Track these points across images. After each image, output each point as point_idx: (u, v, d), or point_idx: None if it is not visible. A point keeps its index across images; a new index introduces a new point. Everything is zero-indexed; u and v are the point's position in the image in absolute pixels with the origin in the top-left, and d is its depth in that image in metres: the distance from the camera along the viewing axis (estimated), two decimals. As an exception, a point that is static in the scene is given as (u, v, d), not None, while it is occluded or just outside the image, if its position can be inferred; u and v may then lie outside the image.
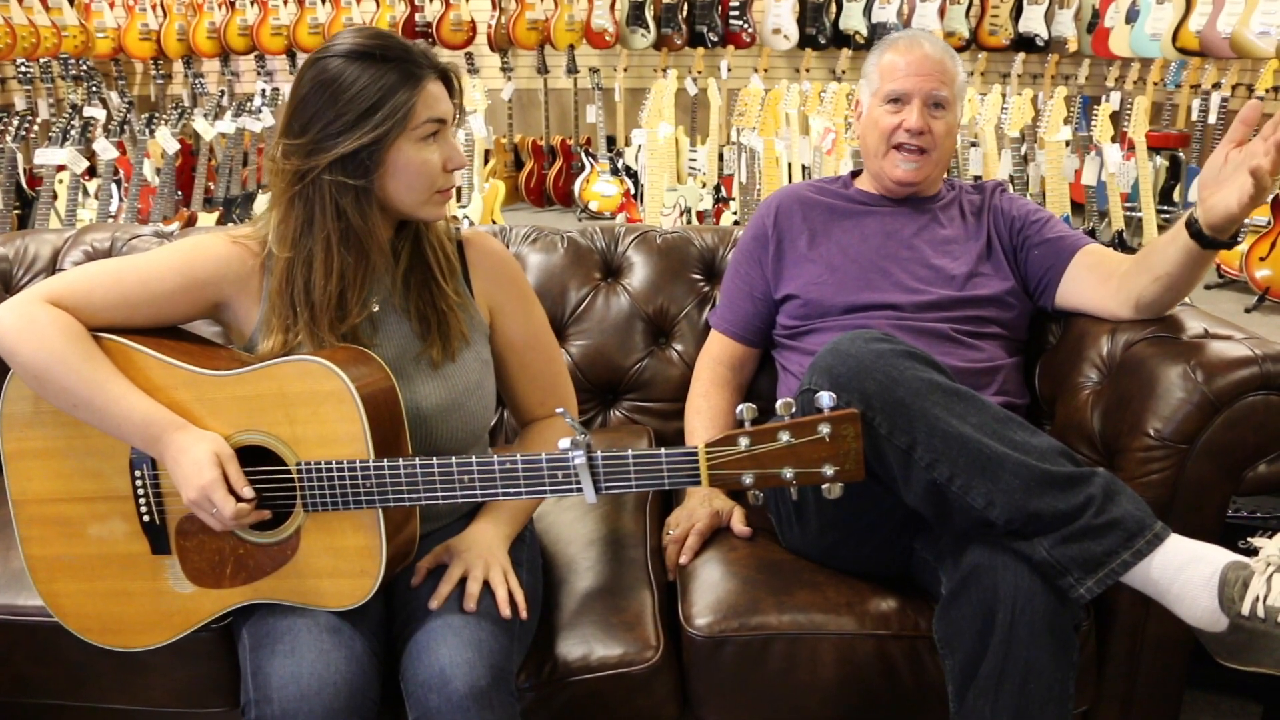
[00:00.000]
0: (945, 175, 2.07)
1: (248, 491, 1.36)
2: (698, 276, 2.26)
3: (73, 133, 4.57)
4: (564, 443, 1.36)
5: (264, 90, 6.51)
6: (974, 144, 5.31)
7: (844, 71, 7.06)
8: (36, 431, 1.46)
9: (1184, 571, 1.35)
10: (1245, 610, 1.31)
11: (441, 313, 1.55)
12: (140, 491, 1.44)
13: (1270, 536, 1.37)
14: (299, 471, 1.39)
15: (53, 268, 2.21)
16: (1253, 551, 1.36)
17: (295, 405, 1.39)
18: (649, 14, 7.04)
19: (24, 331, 1.38)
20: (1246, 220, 1.74)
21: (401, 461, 1.38)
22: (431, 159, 1.46)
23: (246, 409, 1.41)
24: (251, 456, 1.40)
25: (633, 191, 6.58)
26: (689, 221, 5.58)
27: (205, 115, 5.59)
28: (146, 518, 1.45)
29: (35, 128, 4.98)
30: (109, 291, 1.44)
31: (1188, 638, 1.63)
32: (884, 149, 1.96)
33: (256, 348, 1.51)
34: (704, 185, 5.88)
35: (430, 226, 1.58)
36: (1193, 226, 1.60)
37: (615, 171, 6.74)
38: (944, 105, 1.93)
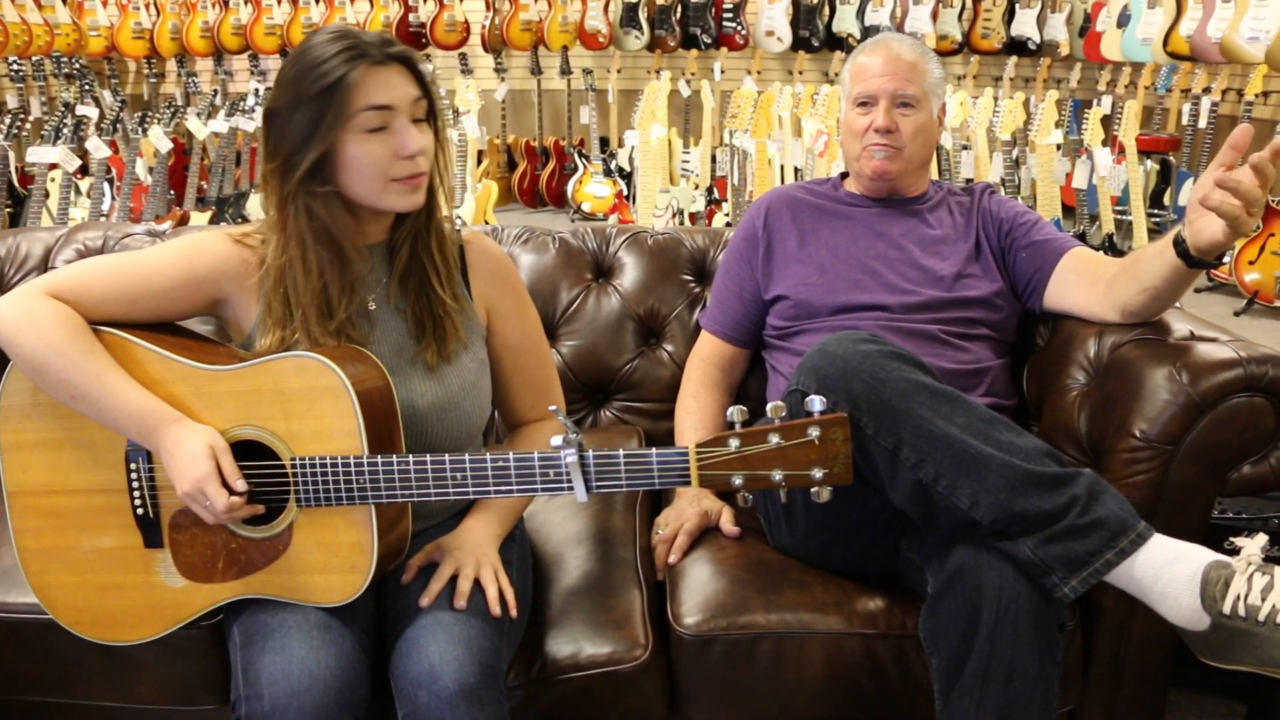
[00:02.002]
0: (934, 177, 2.09)
1: (241, 485, 1.37)
2: (688, 277, 2.27)
3: (65, 131, 4.57)
4: (556, 440, 1.37)
5: (257, 90, 6.51)
6: (966, 147, 5.32)
7: (837, 74, 7.07)
8: (34, 423, 1.47)
9: (1167, 571, 1.37)
10: (1227, 609, 1.32)
11: (437, 317, 1.56)
12: (135, 484, 1.45)
13: (1251, 536, 1.38)
14: (293, 466, 1.40)
15: (45, 266, 2.22)
16: (1235, 552, 1.38)
17: (291, 401, 1.40)
18: (642, 16, 7.05)
19: (24, 323, 1.39)
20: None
21: (395, 458, 1.39)
22: (374, 150, 1.44)
23: (243, 404, 1.42)
24: (247, 451, 1.41)
25: (625, 193, 6.59)
26: (681, 223, 5.59)
27: (198, 114, 5.59)
28: (140, 511, 1.46)
29: (27, 126, 4.98)
30: (109, 286, 1.45)
31: (1172, 637, 1.65)
32: (858, 150, 1.99)
33: (254, 345, 1.52)
34: (696, 187, 5.88)
35: (431, 228, 1.57)
36: (1179, 246, 1.60)
37: (608, 173, 6.75)
38: (911, 103, 1.95)
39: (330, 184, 1.46)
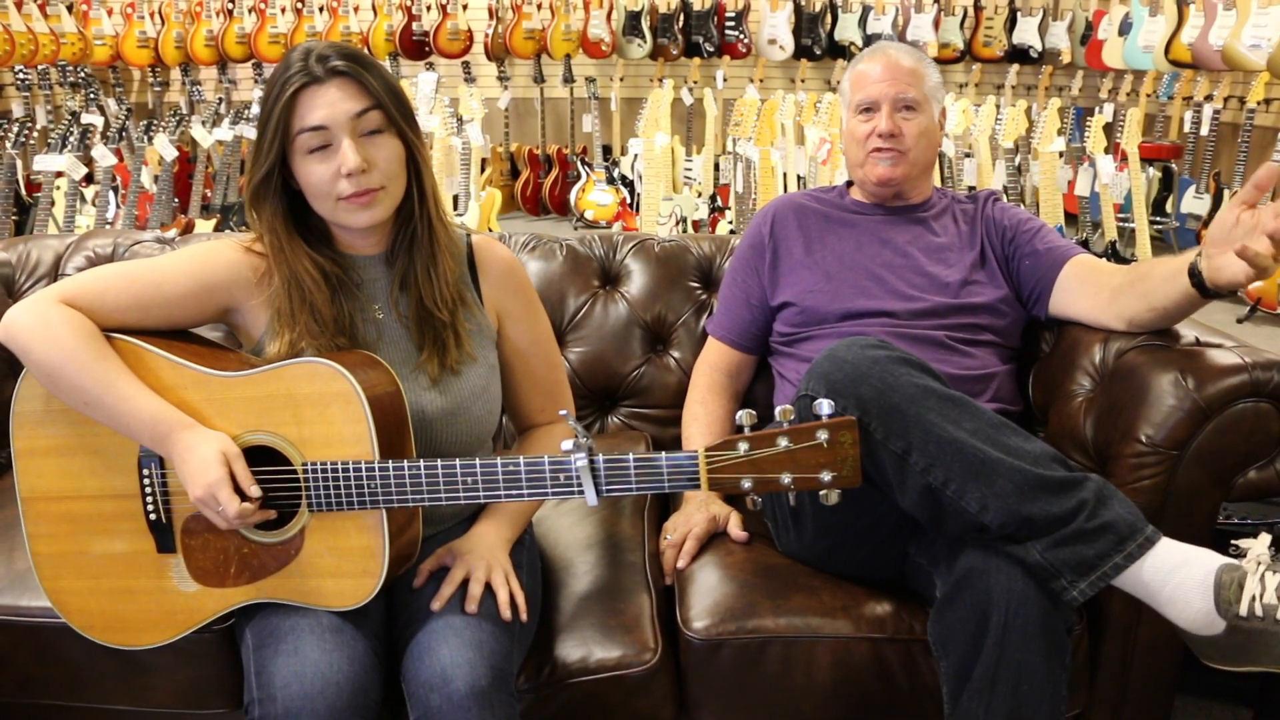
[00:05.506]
0: (938, 185, 2.10)
1: (254, 490, 1.38)
2: (695, 284, 2.28)
3: (71, 139, 4.58)
4: (566, 444, 1.38)
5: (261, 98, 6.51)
6: (968, 155, 5.33)
7: (839, 82, 7.06)
8: (47, 429, 1.48)
9: (1176, 574, 1.37)
10: (1244, 611, 1.32)
11: (436, 332, 1.57)
12: (148, 490, 1.46)
13: (1255, 537, 1.39)
14: (305, 471, 1.41)
15: (55, 273, 2.23)
16: (1241, 554, 1.38)
17: (303, 406, 1.41)
18: (645, 24, 7.07)
19: (38, 330, 1.40)
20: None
21: (406, 463, 1.40)
22: (317, 170, 1.46)
23: (254, 409, 1.42)
24: (259, 456, 1.42)
25: (629, 201, 6.60)
26: (685, 230, 5.60)
27: (203, 122, 5.61)
28: (153, 516, 1.47)
29: (34, 134, 4.99)
30: (122, 293, 1.46)
31: (1179, 642, 1.65)
32: (862, 156, 2.00)
33: (264, 351, 1.53)
34: (699, 195, 5.90)
35: (431, 238, 1.57)
36: (1195, 277, 1.60)
37: (611, 181, 6.76)
38: (913, 107, 1.96)
39: (299, 208, 1.52)
